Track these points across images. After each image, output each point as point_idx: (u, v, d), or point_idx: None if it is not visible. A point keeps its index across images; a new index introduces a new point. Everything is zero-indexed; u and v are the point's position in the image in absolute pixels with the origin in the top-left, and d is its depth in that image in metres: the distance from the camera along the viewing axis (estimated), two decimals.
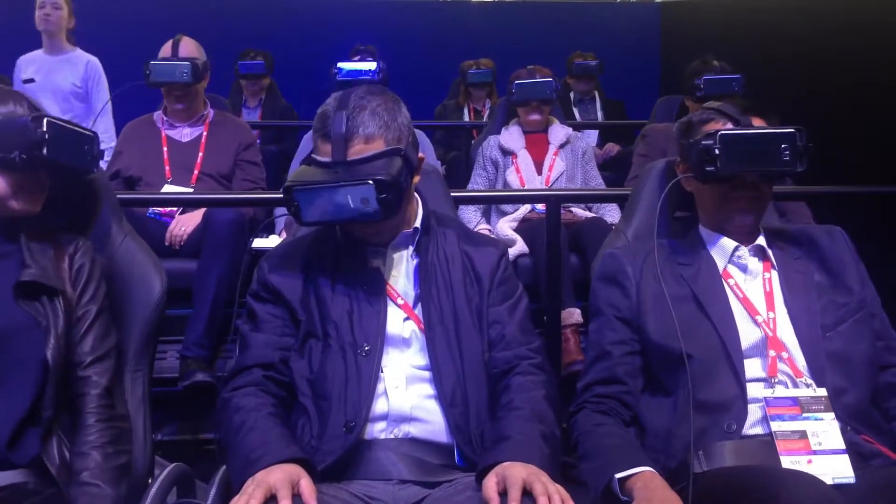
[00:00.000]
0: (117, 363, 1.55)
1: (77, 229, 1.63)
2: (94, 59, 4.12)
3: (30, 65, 4.09)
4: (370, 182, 1.41)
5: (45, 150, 1.43)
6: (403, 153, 1.47)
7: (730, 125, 1.63)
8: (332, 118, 1.47)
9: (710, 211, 1.68)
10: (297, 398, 1.48)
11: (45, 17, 3.97)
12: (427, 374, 1.48)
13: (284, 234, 3.16)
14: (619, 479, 1.38)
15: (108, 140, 3.73)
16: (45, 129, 1.43)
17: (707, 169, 1.58)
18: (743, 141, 1.57)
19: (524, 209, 3.28)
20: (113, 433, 1.46)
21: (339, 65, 3.77)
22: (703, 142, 1.58)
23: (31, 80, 3.95)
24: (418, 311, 1.53)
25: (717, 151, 1.55)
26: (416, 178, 1.56)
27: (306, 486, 1.25)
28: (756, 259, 1.65)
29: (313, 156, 1.50)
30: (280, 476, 1.24)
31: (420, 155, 1.56)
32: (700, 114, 1.71)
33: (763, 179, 1.62)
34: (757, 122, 1.65)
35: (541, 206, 3.17)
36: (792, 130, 1.57)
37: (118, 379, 1.55)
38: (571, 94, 5.40)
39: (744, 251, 1.64)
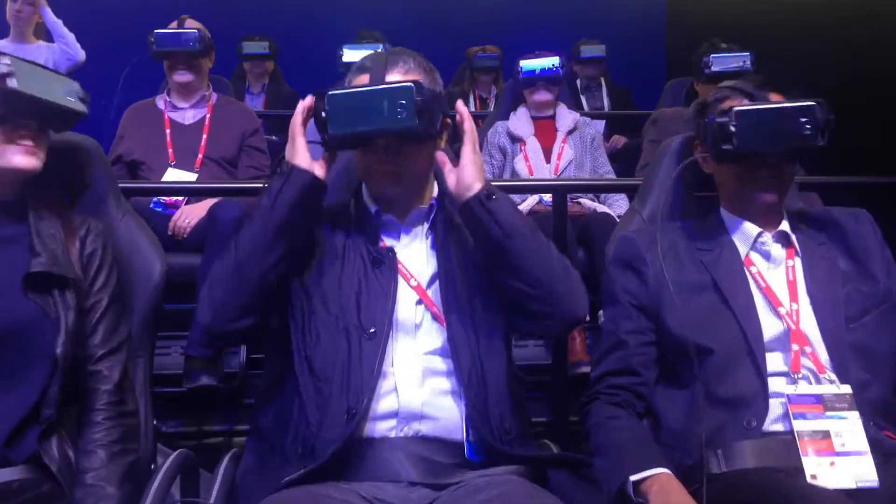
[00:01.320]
0: (128, 356, 1.51)
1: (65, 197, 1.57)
2: (53, 44, 4.21)
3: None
4: (410, 83, 1.38)
5: (15, 82, 1.37)
6: (440, 93, 1.46)
7: (746, 102, 1.55)
8: (372, 56, 1.51)
9: (731, 192, 1.61)
10: (294, 373, 1.42)
11: (16, 13, 4.05)
12: (440, 360, 1.44)
13: None
14: (634, 482, 1.35)
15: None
16: (8, 62, 1.37)
17: (723, 147, 1.50)
18: (759, 116, 1.49)
19: (532, 200, 3.23)
20: (121, 431, 1.43)
21: (345, 48, 3.75)
22: (717, 119, 1.50)
23: None
24: (434, 290, 1.48)
25: (732, 128, 1.48)
26: (443, 141, 1.53)
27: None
28: (779, 245, 1.58)
29: None
30: None
31: (447, 120, 1.52)
32: (715, 93, 1.64)
33: (783, 158, 1.55)
34: (775, 97, 1.57)
35: (548, 198, 3.12)
36: (812, 103, 1.49)
37: (128, 372, 1.50)
38: (578, 82, 5.35)
39: (767, 237, 1.58)
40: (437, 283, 1.49)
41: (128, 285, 1.59)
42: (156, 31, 3.04)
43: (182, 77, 3.10)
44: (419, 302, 1.47)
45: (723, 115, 1.50)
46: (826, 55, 4.00)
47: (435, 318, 1.46)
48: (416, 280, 1.48)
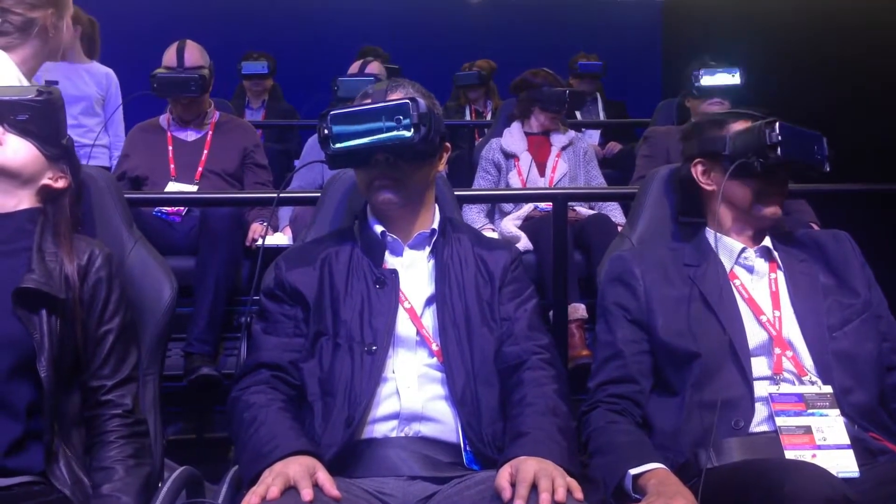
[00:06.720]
0: (139, 382, 1.55)
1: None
2: (112, 72, 4.11)
3: (49, 69, 4.05)
4: (407, 100, 1.47)
5: None
6: (438, 115, 1.54)
7: (751, 122, 1.66)
8: (375, 85, 1.60)
9: (740, 208, 1.67)
10: (306, 398, 1.49)
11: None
12: (438, 374, 1.50)
13: (289, 231, 3.18)
14: (633, 476, 1.39)
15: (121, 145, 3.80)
16: None
17: (770, 156, 1.59)
18: (797, 134, 1.62)
19: (527, 208, 3.29)
20: (134, 448, 1.46)
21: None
22: (765, 129, 1.60)
23: (55, 83, 3.92)
24: (432, 311, 1.55)
25: (777, 139, 1.58)
26: (442, 164, 1.62)
27: (324, 476, 1.27)
28: (762, 260, 1.67)
29: None
30: (298, 468, 1.25)
31: (447, 144, 1.61)
32: (715, 115, 1.75)
33: (789, 176, 1.67)
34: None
35: (543, 205, 3.19)
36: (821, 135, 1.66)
37: (138, 397, 1.53)
38: None
39: (750, 252, 1.66)
40: (433, 306, 1.55)
41: (139, 309, 1.63)
42: (158, 73, 3.02)
43: (184, 115, 3.18)
44: (418, 319, 1.54)
45: (767, 126, 1.60)
46: (823, 64, 4.05)
47: (424, 341, 1.52)
48: (409, 303, 1.55)
